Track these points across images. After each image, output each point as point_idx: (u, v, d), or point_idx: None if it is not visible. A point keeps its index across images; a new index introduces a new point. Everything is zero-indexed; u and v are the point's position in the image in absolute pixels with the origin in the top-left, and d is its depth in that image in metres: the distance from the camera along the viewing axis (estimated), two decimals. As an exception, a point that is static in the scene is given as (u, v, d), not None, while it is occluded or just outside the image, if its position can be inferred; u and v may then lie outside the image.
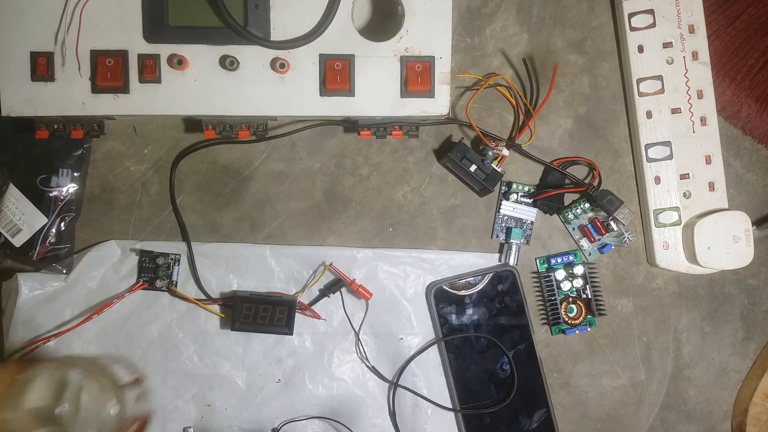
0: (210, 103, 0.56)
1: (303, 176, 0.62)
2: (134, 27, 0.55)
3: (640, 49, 0.62)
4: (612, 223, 0.62)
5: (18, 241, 0.58)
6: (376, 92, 0.57)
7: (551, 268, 0.63)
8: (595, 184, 0.63)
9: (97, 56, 0.55)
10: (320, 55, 0.56)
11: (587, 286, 0.63)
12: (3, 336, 0.58)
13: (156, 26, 0.55)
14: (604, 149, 0.64)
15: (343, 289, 0.61)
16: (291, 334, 0.59)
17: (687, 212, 0.63)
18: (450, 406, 0.62)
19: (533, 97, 0.64)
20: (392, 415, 0.62)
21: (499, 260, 0.63)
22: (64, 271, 0.60)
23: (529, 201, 0.63)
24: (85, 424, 0.45)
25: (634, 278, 0.64)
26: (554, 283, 0.63)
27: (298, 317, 0.60)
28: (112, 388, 0.46)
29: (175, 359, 0.60)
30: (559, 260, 0.63)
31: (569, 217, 0.63)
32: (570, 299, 0.63)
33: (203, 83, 0.56)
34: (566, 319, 0.63)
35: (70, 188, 0.60)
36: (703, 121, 0.63)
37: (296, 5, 0.55)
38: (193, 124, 0.61)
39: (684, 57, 0.62)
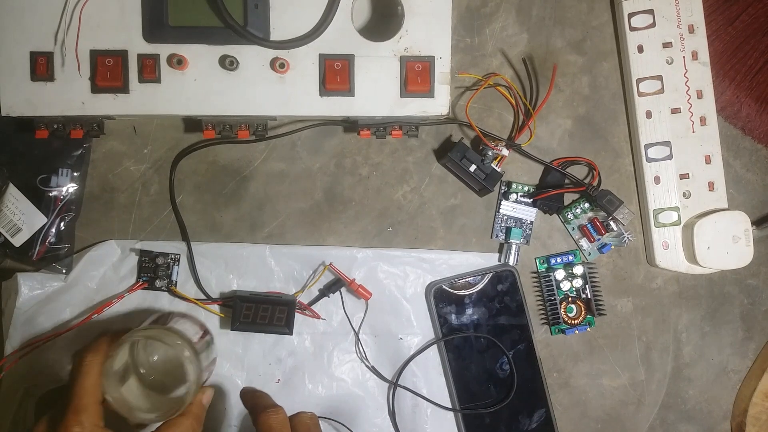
0: (210, 103, 0.56)
1: (303, 176, 0.62)
2: (134, 27, 0.55)
3: (640, 49, 0.62)
4: (612, 223, 0.62)
5: (18, 241, 0.58)
6: (376, 92, 0.57)
7: (551, 268, 0.63)
8: (595, 184, 0.63)
9: (96, 56, 0.55)
10: (320, 55, 0.56)
11: (587, 286, 0.63)
12: (3, 336, 0.58)
13: (156, 26, 0.55)
14: (604, 149, 0.64)
15: (343, 289, 0.61)
16: (291, 333, 0.59)
17: (687, 212, 0.63)
18: (450, 406, 0.62)
19: (533, 97, 0.64)
20: (392, 414, 0.62)
21: (499, 260, 0.63)
22: (64, 271, 0.60)
23: (529, 201, 0.63)
24: (174, 382, 0.52)
25: (633, 278, 0.64)
26: (554, 283, 0.63)
27: (298, 317, 0.60)
28: (189, 346, 0.51)
29: (175, 359, 0.60)
30: (559, 260, 0.63)
31: (569, 217, 0.63)
32: (570, 299, 0.63)
33: (203, 83, 0.56)
34: (566, 319, 0.63)
35: (70, 188, 0.60)
36: (703, 121, 0.63)
37: (296, 5, 0.56)
38: (192, 124, 0.61)
39: (684, 57, 0.62)
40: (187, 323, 0.55)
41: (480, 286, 0.62)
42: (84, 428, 0.46)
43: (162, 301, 0.60)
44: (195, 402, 0.51)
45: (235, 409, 0.60)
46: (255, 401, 0.52)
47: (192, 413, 0.51)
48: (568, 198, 0.64)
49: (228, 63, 0.55)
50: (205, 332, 0.57)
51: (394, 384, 0.62)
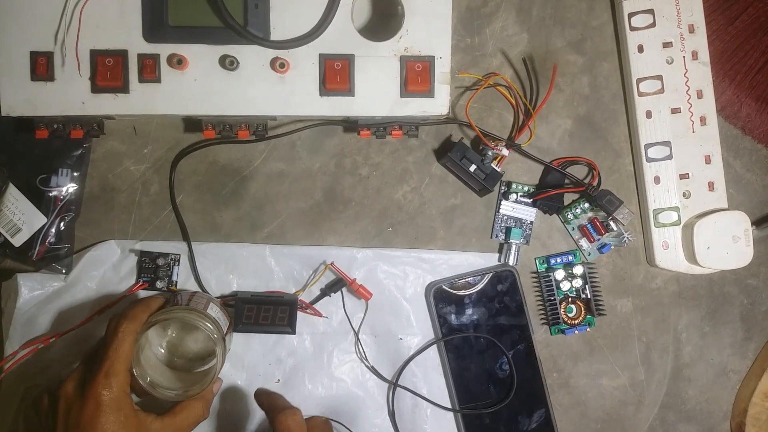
0: (210, 103, 0.56)
1: (303, 176, 0.62)
2: (134, 27, 0.55)
3: (640, 48, 0.62)
4: (611, 223, 0.62)
5: (18, 241, 0.58)
6: (376, 92, 0.57)
7: (551, 268, 0.63)
8: (595, 184, 0.63)
9: (96, 56, 0.55)
10: (320, 54, 0.56)
11: (587, 286, 0.63)
12: (3, 336, 0.58)
13: (156, 26, 0.55)
14: (604, 149, 0.64)
15: (343, 289, 0.61)
16: (294, 333, 0.59)
17: (686, 212, 0.63)
18: (449, 406, 0.62)
19: (533, 97, 0.64)
20: (392, 415, 0.62)
21: (499, 260, 0.63)
22: (64, 271, 0.60)
23: (529, 201, 0.63)
24: (196, 364, 0.57)
25: (633, 278, 0.64)
26: (554, 283, 0.63)
27: (298, 317, 0.60)
28: (221, 337, 0.53)
29: (175, 359, 0.60)
30: (559, 260, 0.63)
31: (569, 217, 0.63)
32: (569, 299, 0.63)
33: (203, 83, 0.56)
34: (566, 319, 0.63)
35: (70, 188, 0.60)
36: (703, 120, 0.63)
37: (296, 5, 0.55)
38: (192, 123, 0.61)
39: (684, 57, 0.62)
40: (220, 312, 0.56)
41: (480, 287, 0.62)
42: (112, 392, 0.48)
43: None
44: (208, 388, 0.54)
45: (236, 409, 0.60)
46: (271, 402, 0.54)
47: (204, 398, 0.54)
48: (568, 198, 0.64)
49: (228, 63, 0.55)
50: (231, 322, 0.58)
51: (393, 384, 0.62)
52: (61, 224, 0.59)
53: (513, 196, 0.63)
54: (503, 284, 0.62)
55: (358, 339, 0.61)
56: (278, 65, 0.55)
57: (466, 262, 0.63)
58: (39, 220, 0.59)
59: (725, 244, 0.61)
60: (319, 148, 0.62)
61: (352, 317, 0.61)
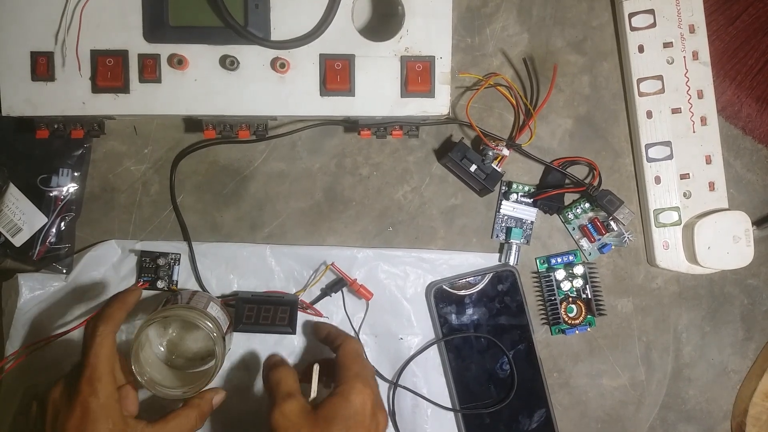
0: (210, 103, 0.56)
1: (303, 176, 0.62)
2: (134, 27, 0.55)
3: (641, 49, 0.62)
4: (612, 223, 0.62)
5: (18, 241, 0.58)
6: (377, 92, 0.57)
7: (551, 268, 0.63)
8: (595, 184, 0.63)
9: (97, 56, 0.55)
10: (320, 54, 0.56)
11: (587, 286, 0.63)
12: (3, 336, 0.58)
13: (156, 26, 0.55)
14: (604, 149, 0.64)
15: (344, 289, 0.61)
16: (294, 333, 0.59)
17: (687, 212, 0.63)
18: (450, 406, 0.62)
19: (533, 97, 0.64)
20: (392, 415, 0.62)
21: (499, 260, 0.63)
22: (64, 271, 0.60)
23: (529, 201, 0.63)
24: (194, 364, 0.58)
25: (634, 278, 0.64)
26: (554, 283, 0.63)
27: (299, 317, 0.60)
28: (221, 337, 0.53)
29: (176, 359, 0.60)
30: (559, 260, 0.63)
31: (569, 217, 0.63)
32: (570, 299, 0.63)
33: (203, 83, 0.56)
34: (566, 319, 0.63)
35: (70, 188, 0.60)
36: (704, 121, 0.63)
37: (296, 5, 0.55)
38: (193, 124, 0.61)
39: (684, 57, 0.62)
40: (220, 311, 0.56)
41: (480, 286, 0.62)
42: (98, 399, 0.47)
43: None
44: (206, 399, 0.53)
45: (236, 409, 0.60)
46: (329, 329, 0.58)
47: (200, 408, 0.52)
48: (569, 198, 0.64)
49: (228, 63, 0.55)
50: (231, 322, 0.58)
51: (394, 384, 0.62)
52: (62, 224, 0.60)
53: (513, 196, 0.63)
54: (504, 284, 0.62)
55: (359, 339, 0.61)
56: (279, 65, 0.55)
57: (467, 262, 0.63)
58: (39, 219, 0.59)
59: (726, 244, 0.61)
60: (320, 148, 0.62)
61: (352, 317, 0.61)
